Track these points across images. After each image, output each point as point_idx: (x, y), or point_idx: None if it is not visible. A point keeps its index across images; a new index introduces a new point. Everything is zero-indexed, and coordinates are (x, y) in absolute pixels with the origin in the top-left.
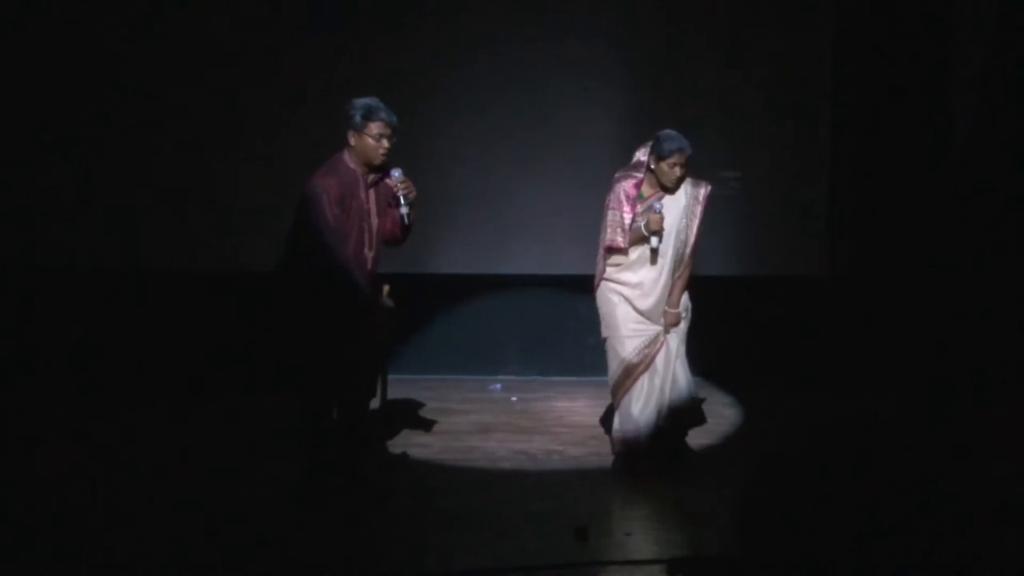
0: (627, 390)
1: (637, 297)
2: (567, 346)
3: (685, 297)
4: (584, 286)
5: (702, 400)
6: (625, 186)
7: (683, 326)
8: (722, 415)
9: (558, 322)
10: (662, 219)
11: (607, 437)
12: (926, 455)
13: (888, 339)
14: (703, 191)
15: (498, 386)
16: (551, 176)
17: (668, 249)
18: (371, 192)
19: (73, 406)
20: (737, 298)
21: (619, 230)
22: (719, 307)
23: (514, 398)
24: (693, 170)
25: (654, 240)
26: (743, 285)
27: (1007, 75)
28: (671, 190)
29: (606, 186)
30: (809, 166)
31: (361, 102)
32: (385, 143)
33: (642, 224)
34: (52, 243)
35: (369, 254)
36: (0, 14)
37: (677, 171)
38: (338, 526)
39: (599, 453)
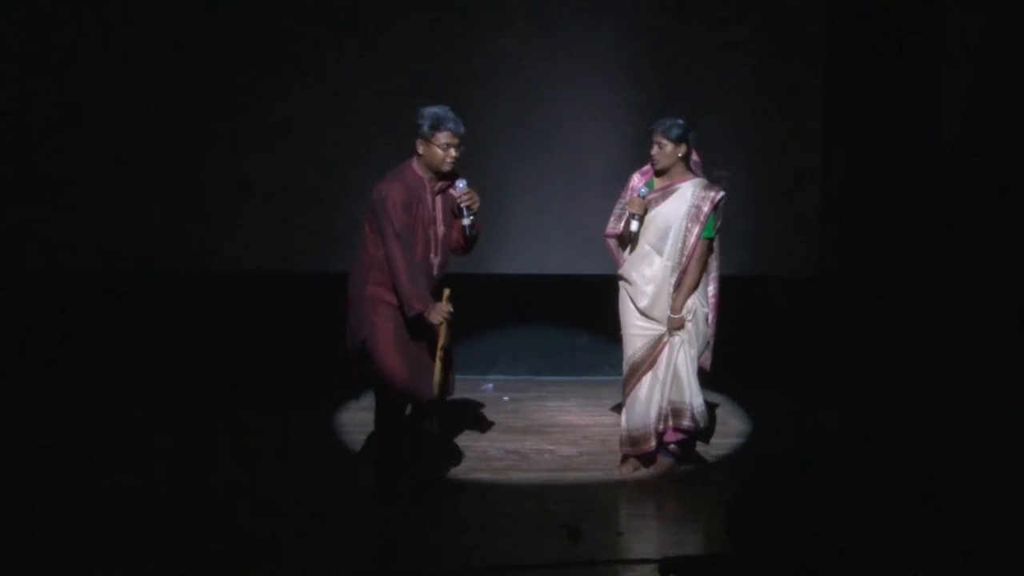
0: (632, 389)
1: (637, 295)
2: (559, 346)
3: (692, 302)
4: (576, 286)
5: (709, 405)
6: (635, 176)
7: (691, 328)
8: (714, 416)
9: (550, 322)
10: (642, 202)
11: (599, 437)
12: (921, 454)
13: (881, 339)
14: (712, 195)
15: (490, 386)
16: (545, 176)
17: (664, 247)
18: (438, 199)
19: (78, 406)
20: (728, 298)
21: (612, 218)
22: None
23: (506, 398)
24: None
25: (633, 223)
26: (735, 285)
27: (1000, 73)
28: (657, 172)
29: (600, 186)
30: (801, 165)
31: (430, 111)
32: (453, 152)
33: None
34: (52, 244)
35: (435, 260)
36: (0, 13)
37: (653, 149)
38: (333, 527)
39: (591, 453)
